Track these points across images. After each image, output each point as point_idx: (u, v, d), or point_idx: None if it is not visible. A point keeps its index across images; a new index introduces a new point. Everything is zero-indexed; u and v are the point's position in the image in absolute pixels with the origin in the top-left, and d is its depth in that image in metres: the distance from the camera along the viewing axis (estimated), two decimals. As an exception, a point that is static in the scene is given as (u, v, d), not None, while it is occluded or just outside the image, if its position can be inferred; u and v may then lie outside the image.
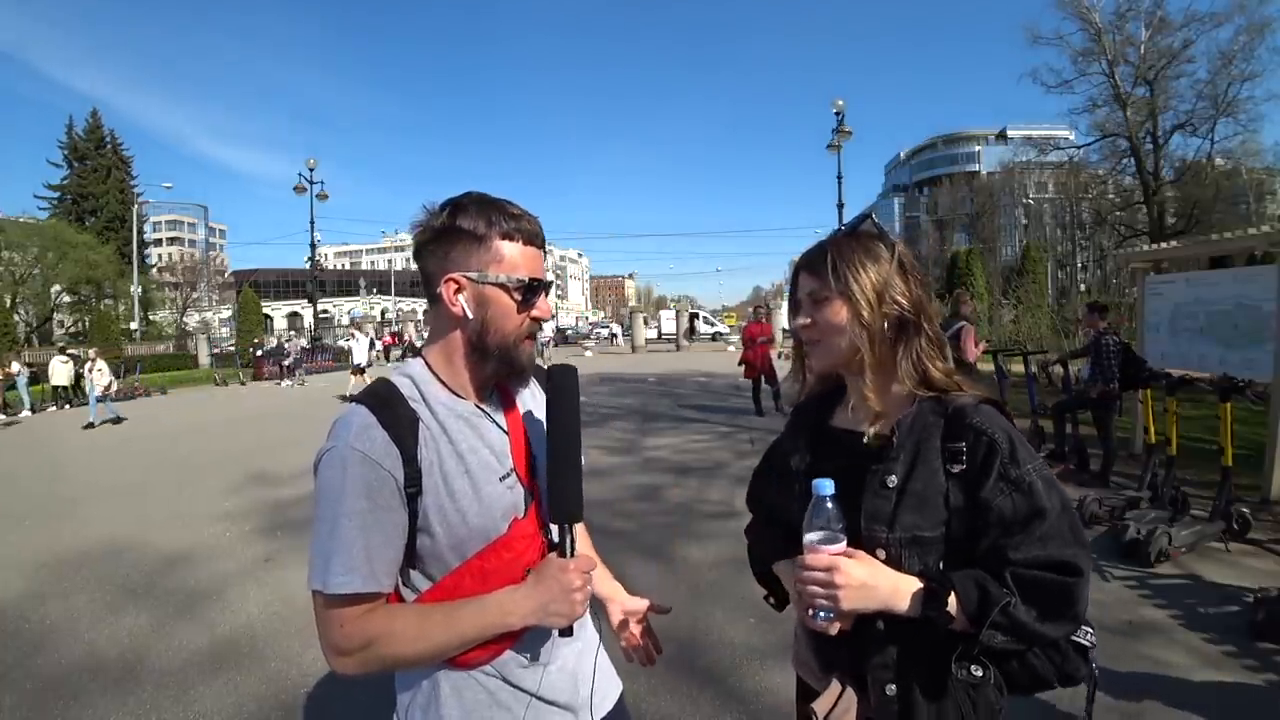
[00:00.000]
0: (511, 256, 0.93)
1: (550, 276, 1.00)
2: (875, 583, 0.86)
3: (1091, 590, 0.87)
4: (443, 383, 0.97)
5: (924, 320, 0.96)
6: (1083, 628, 0.89)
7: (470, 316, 0.93)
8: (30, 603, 3.77)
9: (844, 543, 0.88)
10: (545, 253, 1.01)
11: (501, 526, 0.93)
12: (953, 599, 0.84)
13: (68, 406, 15.26)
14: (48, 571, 4.27)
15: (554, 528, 0.94)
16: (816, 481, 0.88)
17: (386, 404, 0.90)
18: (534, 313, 0.97)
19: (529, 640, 0.93)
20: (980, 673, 0.88)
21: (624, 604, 1.17)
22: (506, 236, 0.93)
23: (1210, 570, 3.69)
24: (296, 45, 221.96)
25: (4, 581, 4.12)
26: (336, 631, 0.86)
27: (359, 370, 13.97)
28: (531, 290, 0.95)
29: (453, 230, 0.92)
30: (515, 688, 0.95)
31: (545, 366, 1.08)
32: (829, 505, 0.88)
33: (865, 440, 0.96)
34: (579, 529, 1.00)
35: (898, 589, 0.87)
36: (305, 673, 2.89)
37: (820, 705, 0.94)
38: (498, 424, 0.99)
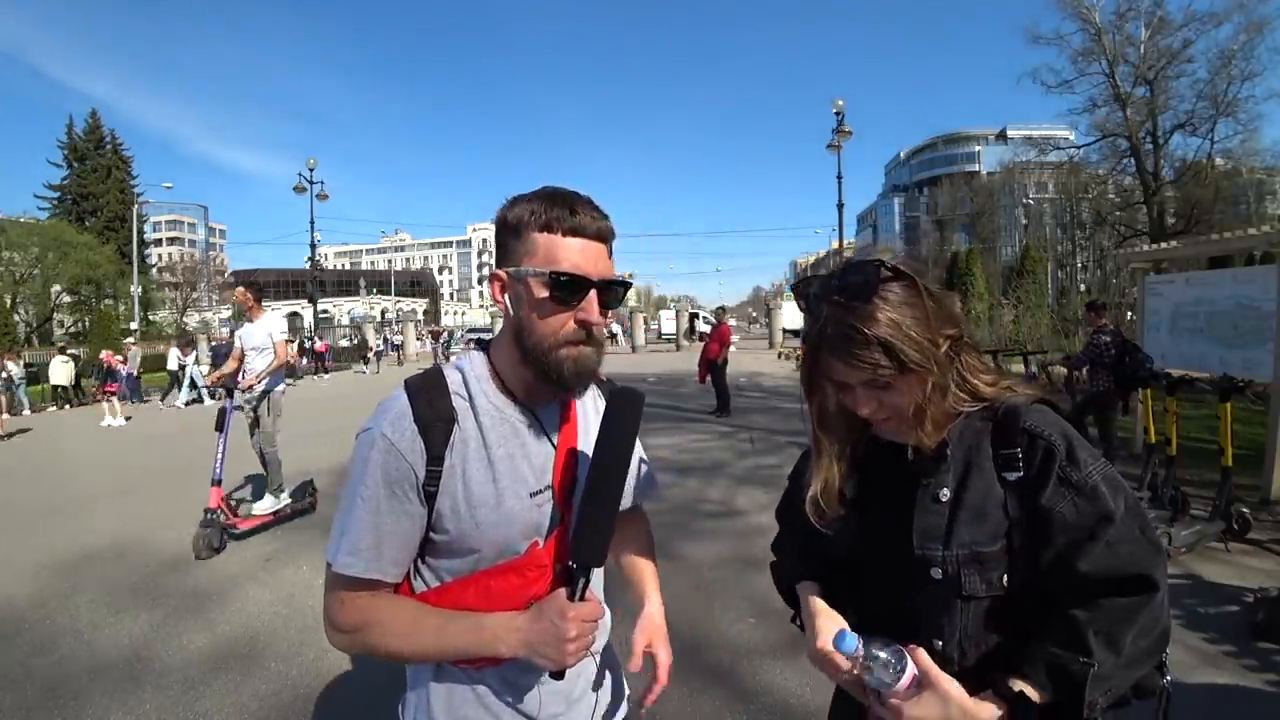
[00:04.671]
0: (548, 249, 0.83)
1: (621, 275, 0.89)
2: None
3: None
4: (500, 381, 0.91)
5: (965, 336, 0.89)
6: None
7: (512, 314, 0.87)
8: (31, 603, 3.77)
9: (907, 676, 0.80)
10: (609, 248, 0.89)
11: (520, 545, 0.88)
12: (1035, 694, 0.77)
13: (67, 407, 15.26)
14: (48, 572, 4.27)
15: (571, 565, 0.86)
16: (838, 638, 0.83)
17: (427, 396, 0.86)
18: (578, 315, 0.85)
19: (525, 660, 0.86)
20: None
21: (650, 629, 1.05)
22: (546, 228, 0.83)
23: (1210, 570, 3.70)
24: (297, 45, 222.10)
25: (4, 582, 4.11)
26: (336, 606, 0.87)
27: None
28: (569, 287, 0.83)
29: (501, 225, 0.88)
30: (502, 699, 0.91)
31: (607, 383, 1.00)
32: (880, 654, 0.81)
33: (909, 455, 0.90)
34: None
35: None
36: (306, 672, 2.89)
37: None
38: (548, 435, 0.92)
